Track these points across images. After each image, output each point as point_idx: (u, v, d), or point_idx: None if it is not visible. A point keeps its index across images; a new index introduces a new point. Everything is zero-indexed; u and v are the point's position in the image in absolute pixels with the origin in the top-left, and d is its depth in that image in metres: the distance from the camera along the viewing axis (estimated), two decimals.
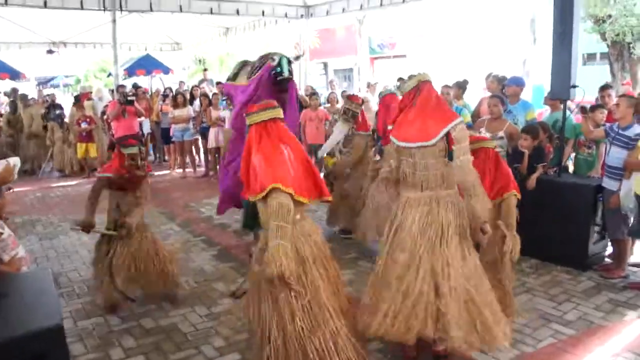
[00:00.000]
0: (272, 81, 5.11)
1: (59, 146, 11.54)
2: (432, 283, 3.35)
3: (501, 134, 5.65)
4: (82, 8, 11.04)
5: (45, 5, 10.67)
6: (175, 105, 10.74)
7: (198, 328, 4.19)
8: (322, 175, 6.50)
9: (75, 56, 23.51)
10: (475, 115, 7.15)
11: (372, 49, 26.81)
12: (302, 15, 13.74)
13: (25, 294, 2.83)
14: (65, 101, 17.42)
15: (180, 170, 11.24)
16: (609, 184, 5.04)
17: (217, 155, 10.21)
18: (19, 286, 2.96)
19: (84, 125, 10.96)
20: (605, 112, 5.82)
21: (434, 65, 20.63)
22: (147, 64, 17.26)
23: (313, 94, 10.08)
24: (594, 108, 5.84)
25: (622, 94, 6.17)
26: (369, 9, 12.81)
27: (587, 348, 3.80)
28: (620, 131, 4.99)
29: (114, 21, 11.44)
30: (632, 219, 4.90)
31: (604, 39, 15.02)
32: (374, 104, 9.88)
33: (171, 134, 10.97)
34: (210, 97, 10.55)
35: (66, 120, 11.83)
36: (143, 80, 17.37)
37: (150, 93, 13.33)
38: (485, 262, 3.79)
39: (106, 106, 10.98)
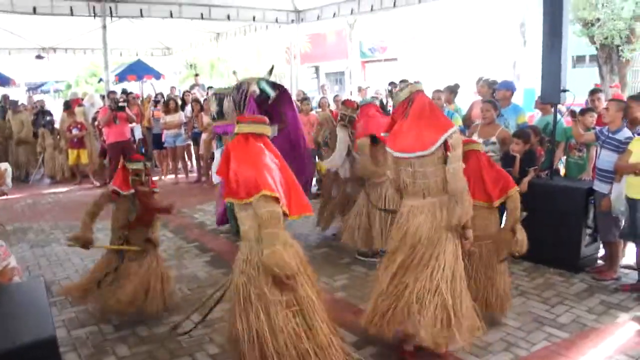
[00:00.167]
0: (262, 102, 5.16)
1: (50, 152, 11.47)
2: (422, 284, 3.43)
3: (493, 139, 5.68)
4: (71, 14, 11.01)
5: (34, 12, 10.61)
6: (167, 111, 10.71)
7: (192, 335, 4.17)
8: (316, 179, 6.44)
9: (66, 62, 23.40)
10: (467, 119, 7.18)
11: (363, 53, 26.92)
12: (292, 20, 13.76)
13: (17, 305, 2.81)
14: (56, 107, 17.34)
15: (173, 176, 11.20)
16: (600, 187, 5.09)
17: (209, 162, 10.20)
18: (11, 297, 2.94)
19: (75, 132, 10.90)
20: (595, 115, 5.87)
21: (425, 68, 20.75)
22: (138, 70, 17.20)
23: (305, 99, 10.09)
24: (584, 111, 5.89)
25: (611, 98, 6.21)
26: (360, 14, 12.86)
27: (580, 351, 3.82)
28: (611, 135, 5.04)
29: (104, 27, 11.40)
30: (623, 222, 4.94)
31: (593, 42, 15.16)
32: None
33: (163, 139, 10.93)
34: (202, 102, 10.53)
35: (57, 126, 11.78)
36: (134, 86, 17.31)
37: (141, 99, 13.29)
38: (477, 259, 4.05)
39: (97, 112, 10.92)
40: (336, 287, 5.11)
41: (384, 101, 11.17)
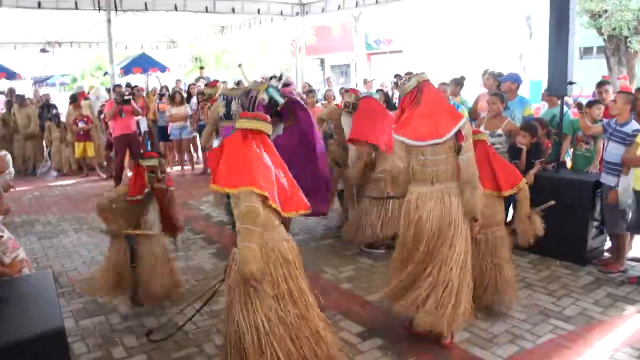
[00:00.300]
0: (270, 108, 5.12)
1: (57, 146, 11.52)
2: (438, 269, 3.60)
3: (500, 131, 5.67)
4: (76, 8, 10.99)
5: (39, 6, 10.61)
6: (173, 104, 10.72)
7: (199, 326, 4.20)
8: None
9: (71, 55, 23.43)
10: (473, 112, 7.16)
11: (368, 45, 26.85)
12: (297, 13, 13.71)
13: (26, 296, 2.85)
14: (62, 100, 17.38)
15: (179, 168, 11.24)
16: (607, 179, 5.07)
17: None
18: (20, 289, 2.97)
19: (81, 125, 10.94)
20: (603, 107, 5.84)
21: (430, 61, 20.67)
22: (143, 63, 17.19)
23: (310, 91, 10.07)
24: (591, 104, 5.86)
25: (619, 90, 6.17)
26: (365, 6, 12.79)
27: (586, 343, 3.82)
28: (618, 127, 5.01)
29: (109, 21, 11.38)
30: (630, 214, 4.92)
31: (601, 34, 15.05)
32: None
33: (169, 132, 10.95)
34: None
35: (63, 119, 11.81)
36: (139, 79, 17.32)
37: (147, 91, 13.30)
38: (483, 246, 4.20)
39: (103, 105, 10.95)
40: (342, 279, 5.12)
41: (390, 93, 11.15)
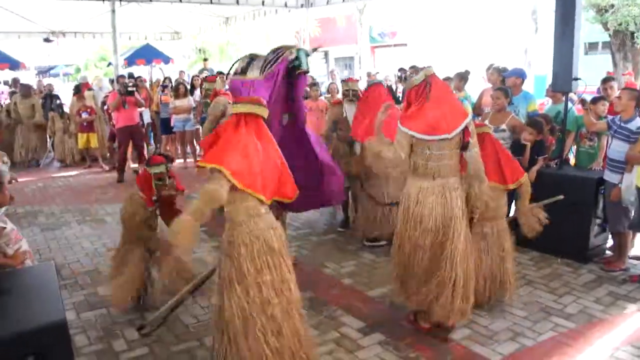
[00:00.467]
0: (287, 74, 4.98)
1: (60, 136, 11.52)
2: (446, 265, 3.67)
3: (503, 126, 5.65)
4: None
5: None
6: (177, 96, 10.70)
7: (200, 319, 4.21)
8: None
9: (75, 45, 23.42)
10: (477, 107, 7.13)
11: (372, 38, 26.76)
12: (302, 5, 13.67)
13: (29, 288, 2.85)
14: (66, 90, 17.37)
15: (182, 161, 11.24)
16: (610, 176, 5.05)
17: None
18: (23, 281, 2.98)
19: (84, 116, 10.93)
20: (607, 104, 5.81)
21: (435, 54, 20.57)
22: (147, 54, 17.18)
23: (313, 84, 10.02)
24: (595, 100, 5.83)
25: (624, 86, 6.13)
26: None
27: (587, 341, 3.82)
28: (622, 124, 4.98)
29: (113, 11, 11.39)
30: (633, 212, 4.91)
31: (606, 29, 14.95)
32: None
33: (172, 124, 10.94)
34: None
35: (66, 110, 11.81)
36: (143, 70, 17.29)
37: (150, 83, 13.27)
38: (490, 239, 4.29)
39: (106, 96, 10.94)
40: (343, 274, 5.12)
41: (394, 87, 11.12)
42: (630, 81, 9.83)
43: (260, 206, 3.10)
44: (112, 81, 12.61)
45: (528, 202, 4.48)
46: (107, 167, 10.83)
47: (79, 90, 11.47)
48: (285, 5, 13.51)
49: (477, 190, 3.78)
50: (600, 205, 5.28)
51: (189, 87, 11.28)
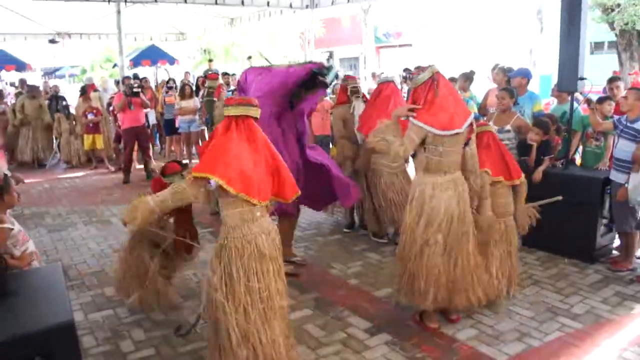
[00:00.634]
0: (307, 79, 4.89)
1: (66, 138, 11.56)
2: (458, 258, 3.83)
3: (508, 127, 5.64)
4: None
5: None
6: (182, 97, 10.72)
7: (207, 321, 4.21)
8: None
9: (81, 47, 23.51)
10: (482, 107, 7.12)
11: (377, 38, 26.73)
12: (307, 6, 13.66)
13: (36, 289, 2.86)
14: (72, 92, 17.44)
15: (187, 162, 11.26)
16: (616, 176, 5.02)
17: None
18: (30, 282, 2.99)
19: (90, 117, 10.98)
20: (614, 104, 5.78)
21: (440, 54, 20.54)
22: (152, 55, 17.23)
23: None
24: (602, 100, 5.81)
25: (630, 86, 6.11)
26: None
27: (594, 342, 3.81)
28: (629, 124, 4.96)
29: (118, 12, 11.41)
30: (639, 212, 4.89)
31: (612, 28, 14.88)
32: None
33: (177, 125, 10.97)
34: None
35: (72, 111, 11.85)
36: (148, 71, 17.34)
37: (155, 84, 13.30)
38: (499, 234, 4.38)
39: (112, 97, 10.99)
40: (350, 274, 5.13)
41: (398, 87, 11.09)
42: (636, 81, 9.77)
43: (255, 210, 3.10)
44: (117, 82, 12.65)
45: (524, 201, 4.56)
46: (113, 168, 10.87)
47: (85, 91, 11.52)
48: (290, 6, 13.50)
49: (473, 184, 4.00)
50: (607, 205, 5.26)
51: (194, 88, 11.31)
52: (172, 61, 17.37)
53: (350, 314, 4.28)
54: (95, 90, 11.66)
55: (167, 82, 12.81)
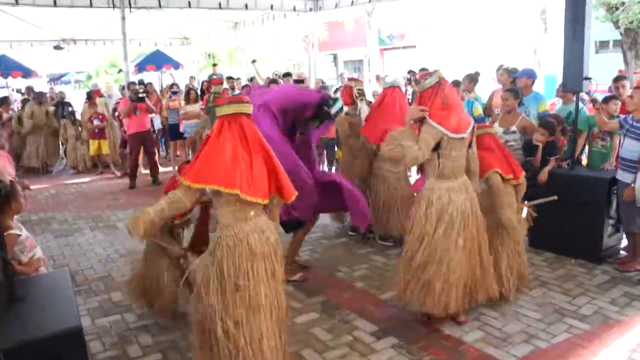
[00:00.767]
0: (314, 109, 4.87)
1: (72, 143, 11.62)
2: (478, 258, 3.97)
3: (514, 128, 5.63)
4: (91, 6, 11.10)
5: (55, 4, 10.72)
6: (187, 101, 10.75)
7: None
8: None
9: (86, 53, 23.60)
10: (487, 108, 7.10)
11: (381, 40, 26.69)
12: (310, 9, 13.69)
13: (44, 295, 2.87)
14: (77, 97, 17.52)
15: None
16: (623, 176, 5.00)
17: None
18: (37, 288, 3.00)
19: (96, 122, 11.03)
20: (619, 103, 5.76)
21: (444, 56, 20.51)
22: (157, 60, 17.29)
23: (323, 87, 10.02)
24: (607, 99, 5.78)
25: (636, 85, 6.08)
26: (378, 1, 12.73)
27: (602, 343, 3.79)
28: (635, 123, 4.94)
29: (123, 18, 11.45)
30: None
31: (617, 27, 14.82)
32: None
33: (182, 129, 10.98)
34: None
35: (78, 117, 11.91)
36: (153, 76, 17.39)
37: (160, 89, 13.34)
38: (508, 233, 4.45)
39: (117, 103, 11.03)
40: (355, 277, 5.12)
41: (403, 90, 11.08)
42: None
43: (249, 209, 3.09)
44: (122, 88, 12.70)
45: (521, 200, 4.63)
46: (118, 174, 10.91)
47: (90, 97, 11.57)
48: (294, 9, 13.53)
49: (475, 185, 4.10)
50: (614, 205, 5.24)
51: (199, 92, 11.33)
52: (176, 66, 17.41)
53: (356, 317, 4.28)
54: (101, 96, 11.72)
55: (171, 86, 12.85)
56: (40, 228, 7.16)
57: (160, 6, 11.76)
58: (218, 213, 3.17)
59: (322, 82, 11.84)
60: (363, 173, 6.01)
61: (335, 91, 5.05)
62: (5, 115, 11.19)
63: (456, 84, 7.09)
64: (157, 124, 11.67)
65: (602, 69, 10.22)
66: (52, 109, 11.99)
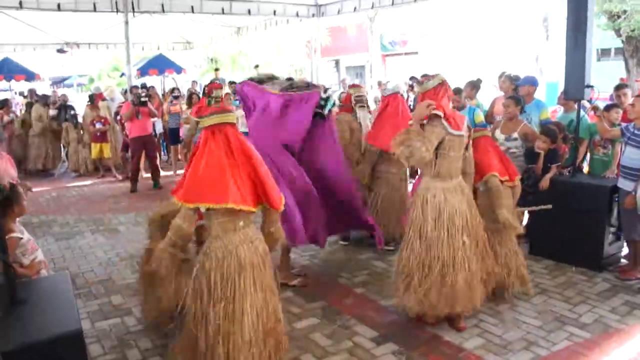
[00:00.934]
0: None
1: (74, 146, 11.64)
2: (480, 256, 4.04)
3: (515, 135, 5.63)
4: (94, 10, 11.15)
5: (58, 8, 10.77)
6: (190, 105, 10.75)
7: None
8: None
9: (89, 56, 23.69)
10: (489, 115, 7.11)
11: (383, 46, 26.80)
12: (313, 15, 13.74)
13: (44, 298, 2.88)
14: (80, 101, 17.56)
15: None
16: (624, 184, 5.00)
17: None
18: (38, 291, 3.01)
19: (98, 126, 11.05)
20: (621, 111, 5.77)
21: (446, 62, 20.56)
22: (159, 64, 17.33)
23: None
24: (609, 107, 5.79)
25: (638, 93, 6.09)
26: (381, 7, 12.77)
27: (603, 351, 3.78)
28: (636, 131, 4.94)
29: (126, 22, 11.51)
30: None
31: (619, 35, 14.86)
32: None
33: (181, 134, 10.97)
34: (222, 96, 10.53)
35: (80, 120, 11.94)
36: (155, 80, 17.44)
37: (163, 93, 13.37)
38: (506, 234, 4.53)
39: (119, 106, 11.05)
40: (356, 283, 5.12)
41: (405, 96, 11.09)
42: None
43: (238, 220, 3.11)
44: (125, 91, 12.73)
45: (516, 204, 4.69)
46: (120, 177, 10.92)
47: (93, 100, 11.60)
48: (297, 14, 13.59)
49: (470, 185, 4.17)
50: (615, 213, 5.24)
51: (201, 97, 11.34)
52: (179, 70, 17.47)
53: (356, 322, 4.27)
54: (104, 99, 11.74)
55: (172, 91, 12.87)
56: (42, 231, 7.17)
57: (163, 11, 11.81)
58: (207, 225, 3.20)
59: (325, 88, 11.84)
60: (364, 179, 6.00)
61: (331, 101, 4.97)
62: (6, 118, 11.24)
63: (457, 91, 7.08)
64: (159, 128, 11.68)
65: (603, 77, 10.24)
66: (51, 112, 12.02)
